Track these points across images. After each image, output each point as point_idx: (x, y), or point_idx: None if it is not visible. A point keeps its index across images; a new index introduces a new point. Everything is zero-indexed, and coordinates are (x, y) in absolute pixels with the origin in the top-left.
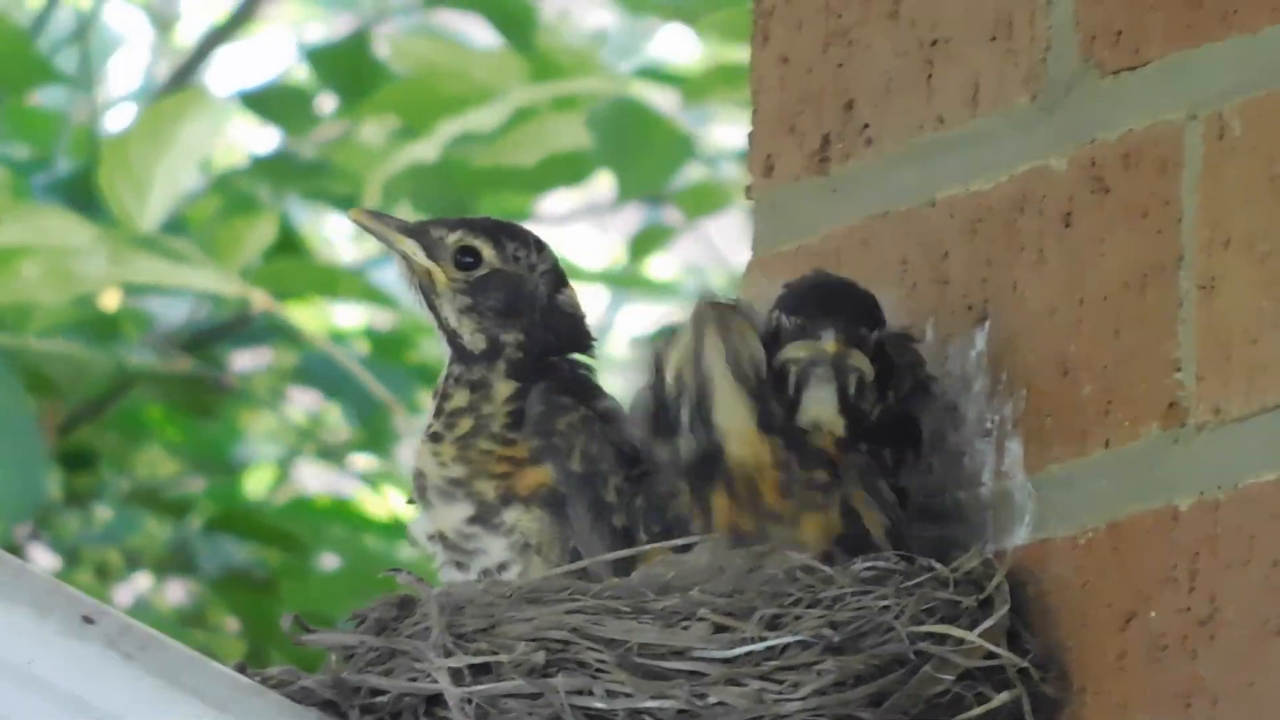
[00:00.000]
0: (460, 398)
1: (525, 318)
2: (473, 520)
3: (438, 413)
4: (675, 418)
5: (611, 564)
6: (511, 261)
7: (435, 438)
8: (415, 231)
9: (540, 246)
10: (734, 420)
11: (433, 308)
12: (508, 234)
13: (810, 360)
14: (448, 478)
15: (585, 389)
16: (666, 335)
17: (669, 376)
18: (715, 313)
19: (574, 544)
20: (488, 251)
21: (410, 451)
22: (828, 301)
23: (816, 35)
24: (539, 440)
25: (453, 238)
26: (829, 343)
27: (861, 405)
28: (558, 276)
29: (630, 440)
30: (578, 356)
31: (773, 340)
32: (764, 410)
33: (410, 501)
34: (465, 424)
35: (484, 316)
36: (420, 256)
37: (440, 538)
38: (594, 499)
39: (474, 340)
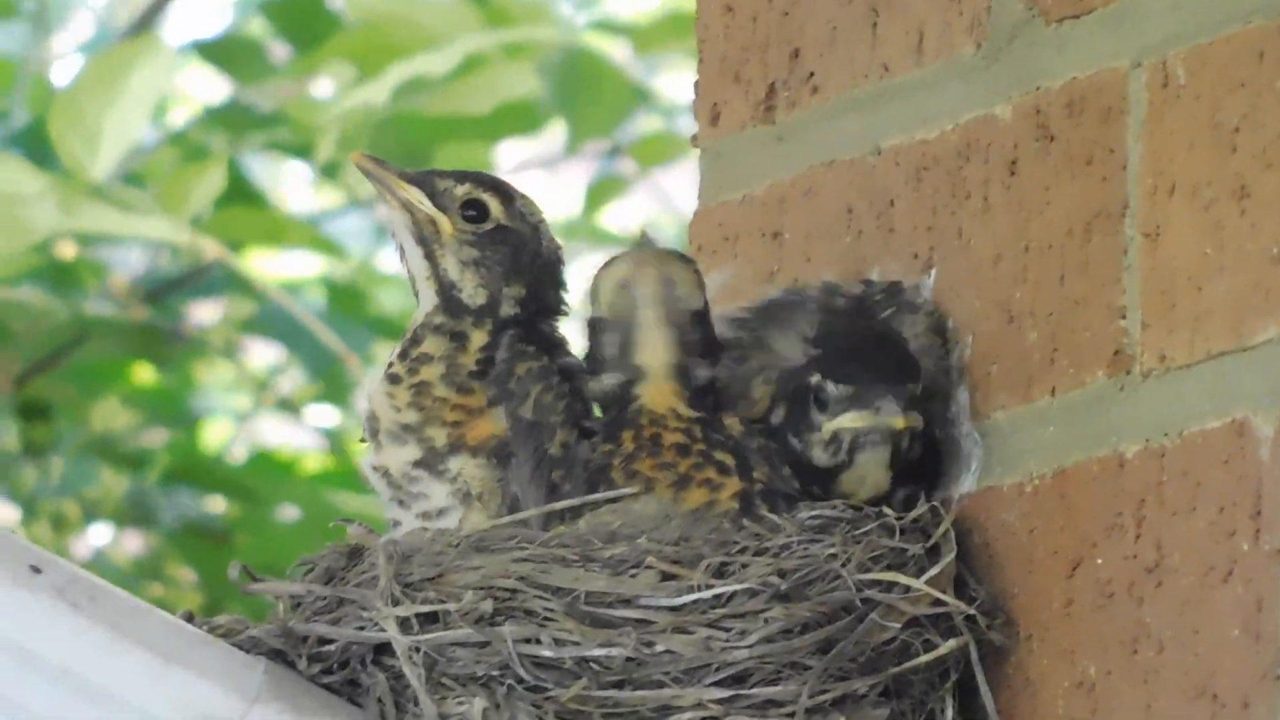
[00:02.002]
0: (433, 345)
1: (527, 276)
2: (418, 464)
3: (403, 355)
4: (602, 351)
5: (545, 516)
6: (518, 219)
7: (394, 379)
8: (418, 180)
9: (534, 203)
10: (654, 362)
11: (431, 257)
12: (515, 191)
13: (870, 429)
14: (400, 422)
15: (551, 343)
16: (606, 266)
17: (602, 307)
18: (655, 253)
19: (513, 492)
20: (495, 206)
21: (364, 394)
22: (876, 366)
23: None
24: (496, 386)
25: (461, 189)
26: (895, 418)
27: (910, 455)
28: (551, 237)
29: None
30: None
31: (813, 402)
32: (683, 362)
33: (361, 440)
34: (430, 371)
35: (491, 271)
36: (426, 204)
37: (385, 473)
38: (537, 448)
39: (475, 294)
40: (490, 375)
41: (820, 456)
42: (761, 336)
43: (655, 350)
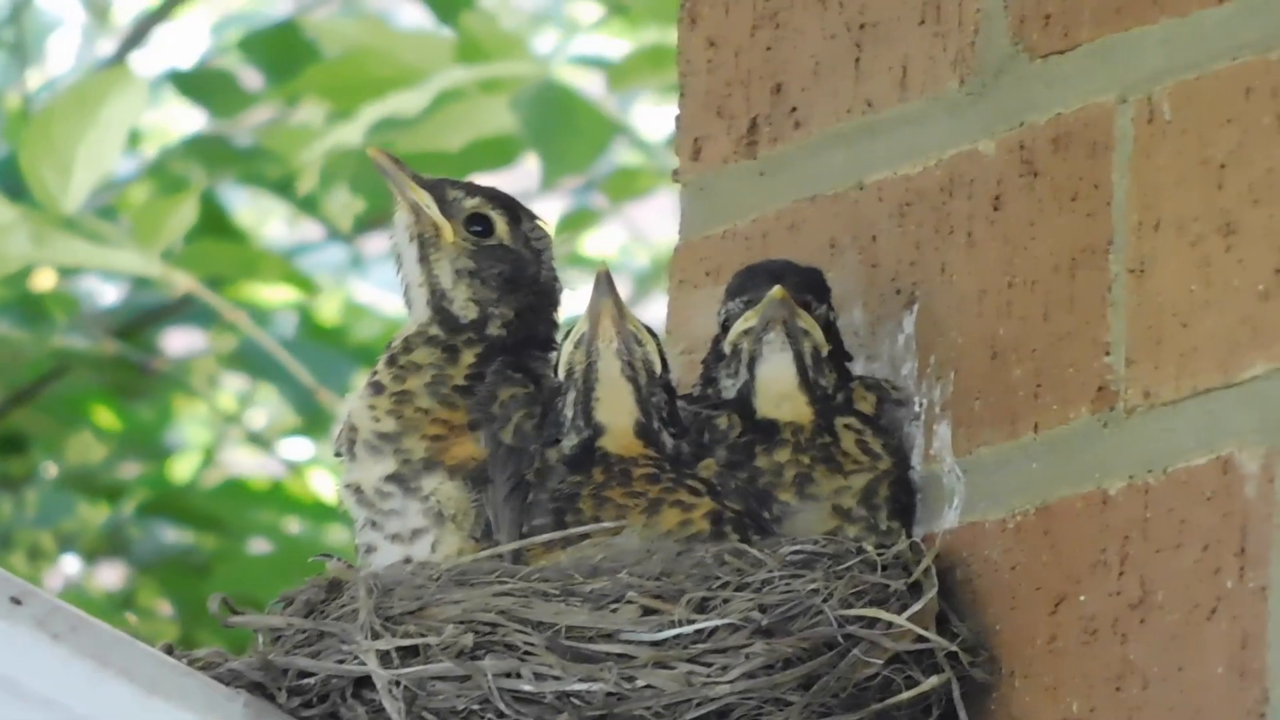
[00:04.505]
0: (423, 355)
1: (520, 299)
2: (391, 478)
3: (390, 361)
4: (560, 415)
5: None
6: (521, 241)
7: (376, 388)
8: (430, 186)
9: (544, 227)
10: (616, 419)
11: (425, 262)
12: (524, 213)
13: (761, 328)
14: (378, 432)
15: (537, 375)
16: (566, 330)
17: (560, 371)
18: (614, 310)
19: (487, 514)
20: (501, 225)
21: (345, 407)
22: (770, 274)
23: (744, 18)
24: (479, 409)
25: (470, 202)
26: (775, 290)
27: (820, 380)
28: (553, 268)
29: None
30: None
31: (723, 332)
32: (645, 415)
33: (337, 454)
34: (416, 381)
35: (484, 285)
36: (433, 210)
37: (357, 491)
38: (515, 473)
39: (465, 308)
40: (475, 397)
41: (728, 389)
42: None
43: (617, 406)
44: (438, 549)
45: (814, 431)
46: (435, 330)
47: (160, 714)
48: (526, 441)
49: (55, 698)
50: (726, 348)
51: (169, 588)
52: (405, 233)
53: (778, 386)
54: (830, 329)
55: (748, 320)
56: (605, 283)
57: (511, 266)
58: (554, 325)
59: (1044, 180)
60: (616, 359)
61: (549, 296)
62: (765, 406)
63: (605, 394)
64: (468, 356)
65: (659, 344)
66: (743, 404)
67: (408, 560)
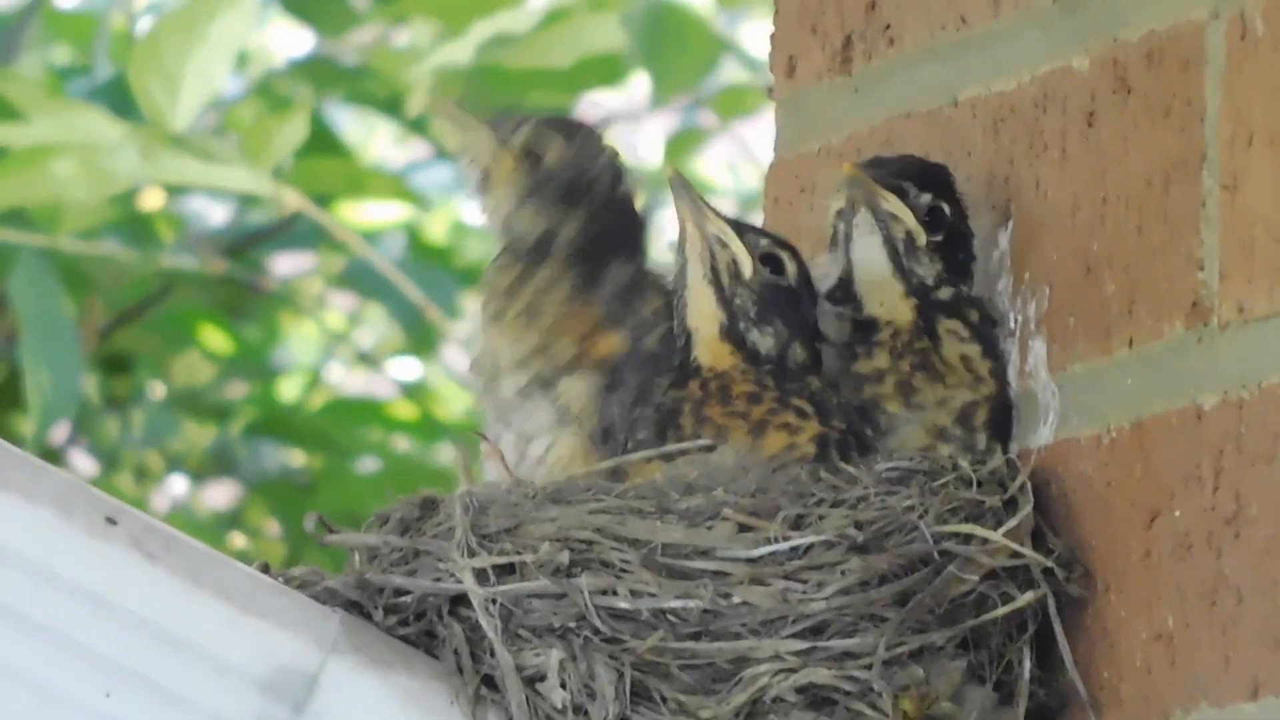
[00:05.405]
0: (513, 270)
1: (584, 208)
2: (533, 381)
3: (491, 292)
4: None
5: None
6: (578, 154)
7: (498, 315)
8: (490, 122)
9: (603, 140)
10: (702, 324)
11: (488, 191)
12: (575, 128)
13: (849, 207)
14: (523, 348)
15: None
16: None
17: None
18: (689, 207)
19: (610, 416)
20: (555, 145)
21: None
22: (877, 163)
23: None
24: (621, 306)
25: (523, 130)
26: (845, 168)
27: (916, 269)
28: (618, 170)
29: None
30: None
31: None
32: (730, 318)
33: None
34: (526, 295)
35: (546, 205)
36: (492, 145)
37: (495, 396)
38: (646, 380)
39: (531, 225)
40: (603, 293)
41: (832, 277)
42: None
43: (701, 310)
44: (553, 450)
45: (913, 333)
46: (511, 254)
47: (254, 632)
48: (667, 349)
49: (150, 616)
50: (828, 230)
51: (277, 507)
52: (472, 173)
53: (870, 272)
54: (941, 224)
55: (836, 200)
56: (679, 186)
57: (570, 181)
58: (632, 223)
59: (1137, 96)
60: (699, 263)
61: (616, 202)
62: (865, 296)
63: (692, 298)
64: (559, 265)
65: (766, 244)
66: (848, 294)
67: (524, 458)
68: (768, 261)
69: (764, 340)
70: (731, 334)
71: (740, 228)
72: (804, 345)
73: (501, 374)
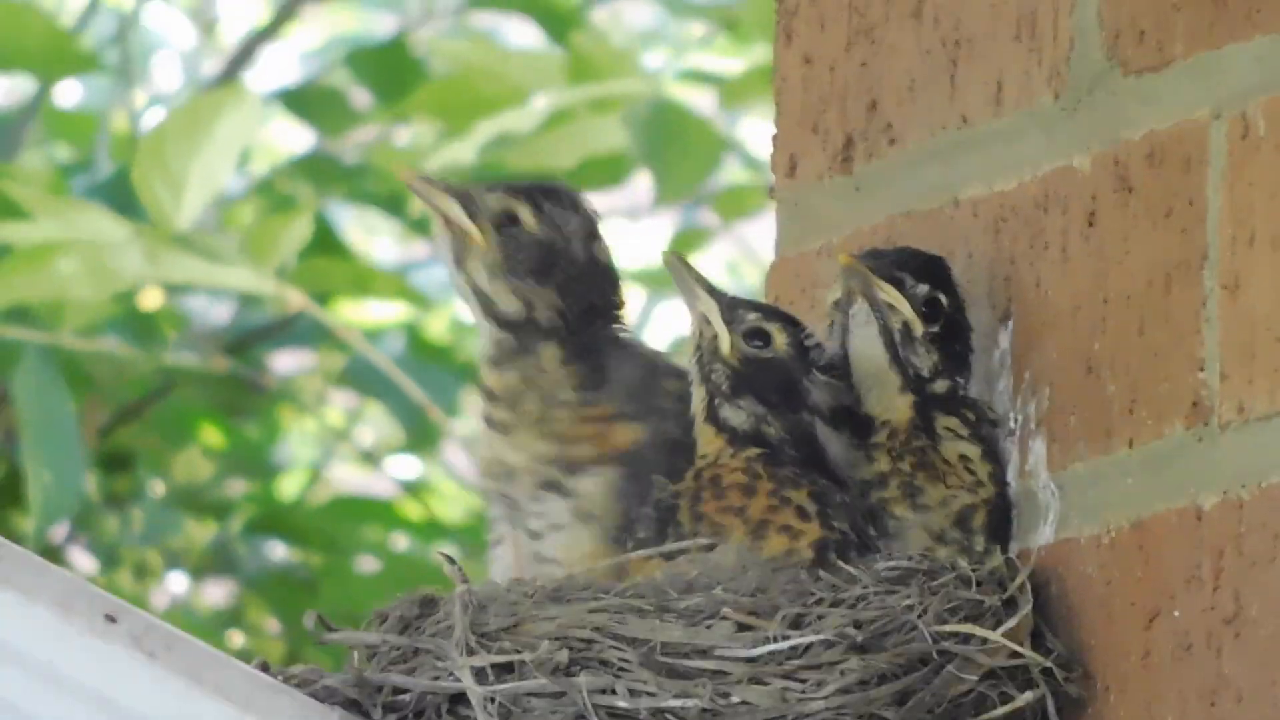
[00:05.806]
0: (510, 378)
1: (559, 277)
2: (547, 486)
3: (490, 399)
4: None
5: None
6: (549, 223)
7: (505, 428)
8: (460, 195)
9: (577, 205)
10: (695, 406)
11: (461, 267)
12: (545, 195)
13: (845, 298)
14: (537, 456)
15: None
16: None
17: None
18: (684, 284)
19: (632, 514)
20: (525, 214)
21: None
22: (873, 255)
23: (840, 34)
24: (635, 401)
25: (492, 198)
26: (841, 257)
27: (913, 359)
28: (592, 232)
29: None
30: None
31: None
32: (710, 396)
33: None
34: (530, 402)
35: (516, 276)
36: (461, 218)
37: (507, 499)
38: (671, 467)
39: (508, 302)
40: (613, 388)
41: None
42: None
43: (695, 393)
44: (568, 548)
45: (910, 432)
46: (501, 339)
47: None
48: (687, 434)
49: (149, 715)
50: (826, 323)
51: (276, 605)
52: (447, 248)
53: (867, 363)
54: (939, 315)
55: (834, 291)
56: (675, 266)
57: (541, 249)
58: (609, 286)
59: (1138, 196)
60: (691, 343)
61: (592, 266)
62: (862, 390)
63: (693, 391)
64: (550, 354)
65: (754, 319)
66: (845, 377)
67: (536, 557)
68: (754, 336)
69: (735, 415)
70: (711, 414)
71: (736, 303)
72: (780, 420)
73: (515, 477)
